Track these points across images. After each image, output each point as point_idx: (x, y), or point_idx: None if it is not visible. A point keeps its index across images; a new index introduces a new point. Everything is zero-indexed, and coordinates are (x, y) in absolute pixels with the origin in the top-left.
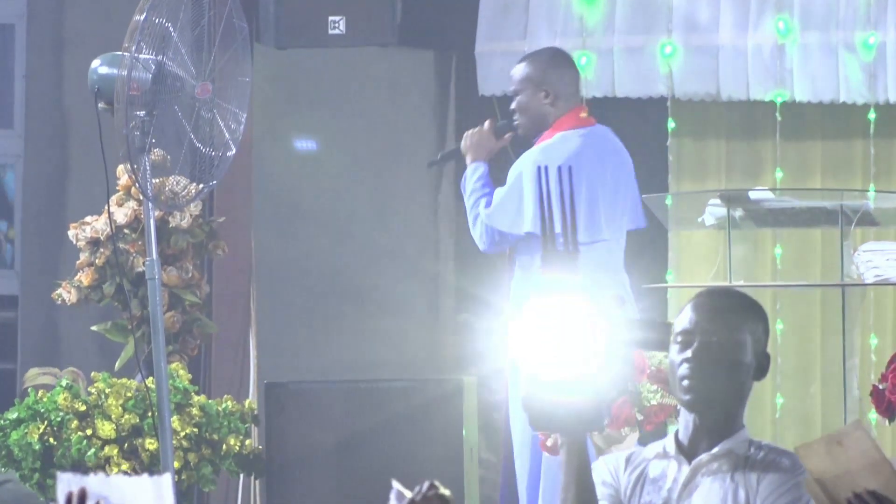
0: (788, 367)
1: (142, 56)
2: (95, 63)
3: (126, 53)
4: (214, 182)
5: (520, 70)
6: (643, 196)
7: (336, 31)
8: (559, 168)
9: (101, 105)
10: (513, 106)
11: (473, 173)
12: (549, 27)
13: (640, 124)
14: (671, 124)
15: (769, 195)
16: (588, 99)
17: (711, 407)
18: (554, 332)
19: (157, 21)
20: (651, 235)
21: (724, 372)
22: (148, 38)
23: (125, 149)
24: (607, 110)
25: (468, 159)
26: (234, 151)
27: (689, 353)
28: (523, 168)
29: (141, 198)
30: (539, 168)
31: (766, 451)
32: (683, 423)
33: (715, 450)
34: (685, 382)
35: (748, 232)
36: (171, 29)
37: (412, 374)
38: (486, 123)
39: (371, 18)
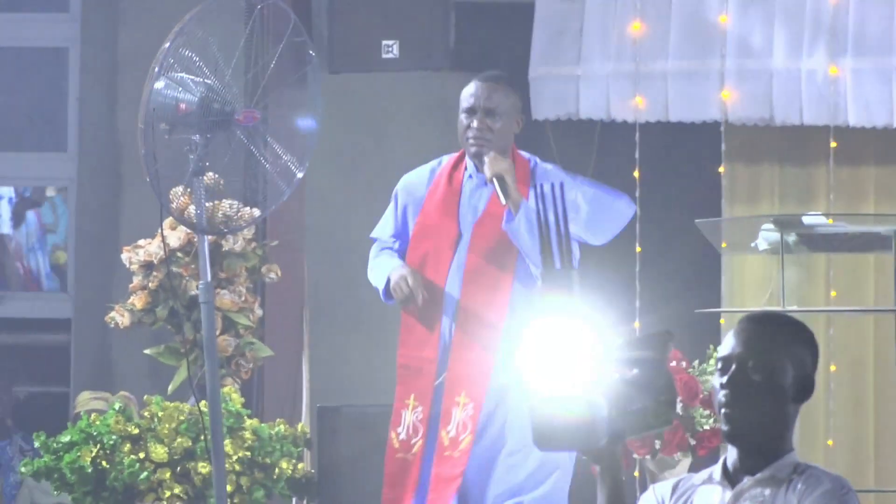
0: (840, 395)
1: (186, 76)
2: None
3: (157, 68)
4: (273, 207)
5: (502, 92)
6: (697, 221)
7: (389, 56)
8: (552, 185)
9: (162, 125)
10: (488, 127)
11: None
12: (602, 52)
13: (693, 149)
14: (724, 149)
15: (822, 220)
16: (641, 124)
17: (750, 434)
18: (549, 350)
19: (198, 37)
20: (704, 260)
21: (760, 397)
22: (181, 58)
23: (153, 172)
24: (661, 135)
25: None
26: (298, 177)
27: (725, 379)
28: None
29: (194, 221)
30: (536, 187)
31: (809, 475)
32: (730, 449)
33: (758, 475)
34: (723, 411)
35: (801, 257)
36: (213, 49)
37: None
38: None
39: (424, 43)
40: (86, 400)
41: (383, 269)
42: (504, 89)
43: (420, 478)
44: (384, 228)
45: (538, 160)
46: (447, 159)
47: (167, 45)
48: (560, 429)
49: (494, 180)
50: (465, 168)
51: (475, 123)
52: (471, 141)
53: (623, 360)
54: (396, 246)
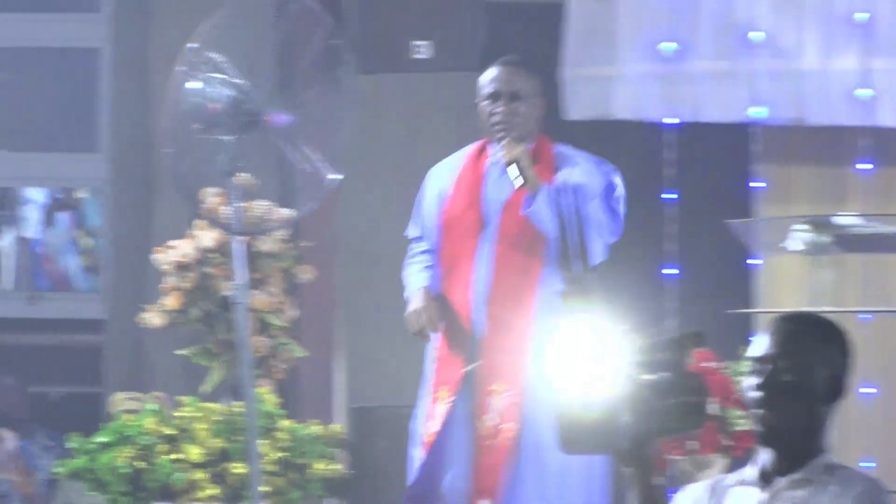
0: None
1: (217, 75)
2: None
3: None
4: (307, 208)
5: (524, 76)
6: (729, 222)
7: (421, 56)
8: (568, 189)
9: (194, 125)
10: (514, 111)
11: None
12: (634, 52)
13: (724, 150)
14: (756, 149)
15: (856, 220)
16: (673, 124)
17: (782, 435)
18: (573, 354)
19: (227, 37)
20: (736, 261)
21: (791, 398)
22: (209, 58)
23: (179, 172)
24: (692, 135)
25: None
26: (333, 178)
27: (756, 381)
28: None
29: (228, 221)
30: (552, 189)
31: (842, 476)
32: (764, 450)
33: (792, 476)
34: (755, 412)
35: (834, 257)
36: (243, 49)
37: None
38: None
39: (456, 43)
40: (120, 400)
41: (407, 287)
42: (524, 72)
43: (447, 464)
44: (413, 227)
45: (563, 147)
46: (470, 148)
47: (194, 45)
48: (583, 433)
49: (510, 166)
50: (489, 156)
51: (500, 108)
52: (497, 126)
53: (643, 363)
54: (425, 248)
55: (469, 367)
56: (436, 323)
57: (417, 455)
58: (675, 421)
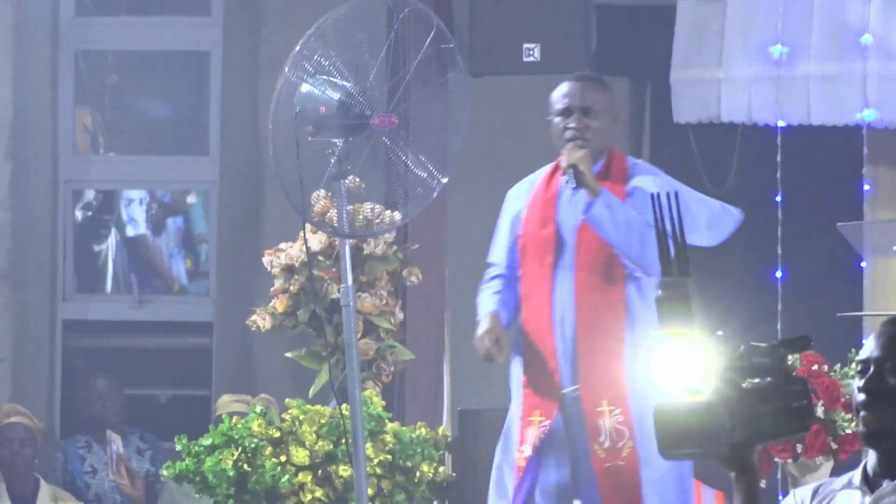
0: None
1: (328, 78)
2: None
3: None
4: (415, 212)
5: (597, 90)
6: (839, 224)
7: (531, 59)
8: (668, 194)
9: (308, 128)
10: (587, 126)
11: None
12: (744, 54)
13: (835, 152)
14: (867, 152)
15: None
16: (783, 126)
17: (886, 437)
18: (675, 360)
19: (336, 41)
20: (846, 264)
21: (894, 401)
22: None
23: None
24: (802, 138)
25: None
26: (441, 181)
27: (862, 383)
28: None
29: (336, 225)
30: (653, 195)
31: None
32: (870, 453)
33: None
34: (861, 414)
35: None
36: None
37: None
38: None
39: (566, 46)
40: (226, 402)
41: (479, 311)
42: (597, 87)
43: (521, 485)
44: (493, 252)
45: (637, 160)
46: (545, 169)
47: (297, 48)
48: (681, 437)
49: (571, 170)
50: (564, 174)
51: (572, 123)
52: (570, 143)
53: (744, 367)
54: (498, 272)
55: (568, 390)
56: (503, 347)
57: (508, 479)
58: (779, 426)
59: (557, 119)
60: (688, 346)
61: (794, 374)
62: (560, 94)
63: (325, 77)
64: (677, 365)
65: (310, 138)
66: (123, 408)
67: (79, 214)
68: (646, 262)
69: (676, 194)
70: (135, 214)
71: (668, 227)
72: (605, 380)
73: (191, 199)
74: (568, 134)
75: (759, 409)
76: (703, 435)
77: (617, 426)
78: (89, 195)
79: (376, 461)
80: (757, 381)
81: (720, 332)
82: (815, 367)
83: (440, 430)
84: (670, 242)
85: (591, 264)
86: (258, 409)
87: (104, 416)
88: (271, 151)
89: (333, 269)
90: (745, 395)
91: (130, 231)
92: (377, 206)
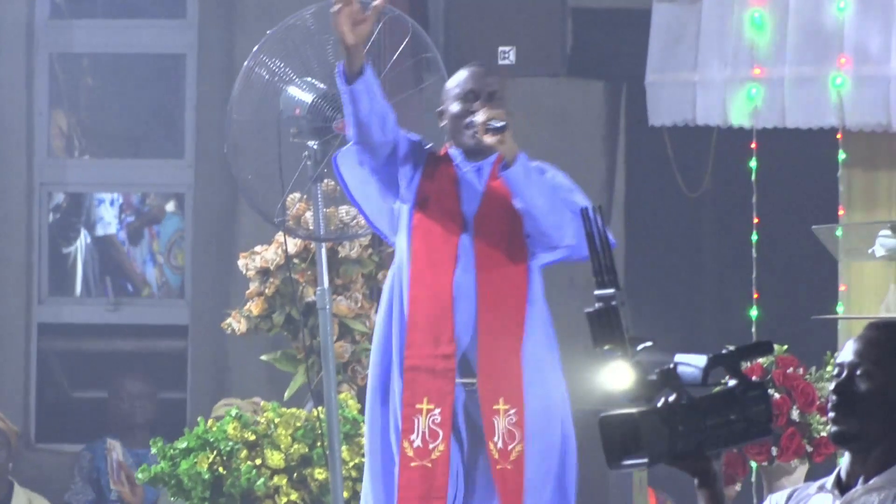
0: None
1: (310, 79)
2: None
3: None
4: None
5: (497, 80)
6: (814, 227)
7: (506, 62)
8: (593, 208)
9: (292, 131)
10: (500, 117)
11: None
12: (719, 57)
13: (810, 155)
14: (842, 155)
15: None
16: (758, 129)
17: (853, 440)
18: (608, 372)
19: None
20: (820, 267)
21: (865, 406)
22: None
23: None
24: (777, 141)
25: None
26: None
27: (833, 385)
28: None
29: (311, 227)
30: (582, 209)
31: None
32: (844, 456)
33: (869, 482)
34: (830, 415)
35: None
36: (328, 55)
37: None
38: None
39: (541, 48)
40: (220, 407)
41: None
42: (496, 76)
43: (451, 485)
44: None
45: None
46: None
47: (256, 48)
48: (624, 447)
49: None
50: (453, 160)
51: (477, 106)
52: (470, 132)
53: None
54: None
55: (465, 381)
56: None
57: (395, 472)
58: (734, 433)
59: (455, 104)
60: (621, 357)
61: (752, 379)
62: (460, 79)
63: (310, 78)
64: (613, 377)
65: (292, 140)
66: (155, 411)
67: (50, 216)
68: (556, 231)
69: (601, 207)
70: (104, 214)
71: (597, 241)
72: (504, 373)
73: (169, 207)
74: (470, 118)
75: (705, 421)
76: (642, 446)
77: (509, 427)
78: (59, 197)
79: (352, 464)
80: (715, 388)
81: (650, 343)
82: (791, 369)
83: None
84: (600, 255)
85: (494, 243)
86: (233, 412)
87: (132, 418)
88: (229, 152)
89: (309, 272)
90: (683, 406)
91: (100, 231)
92: (352, 209)
